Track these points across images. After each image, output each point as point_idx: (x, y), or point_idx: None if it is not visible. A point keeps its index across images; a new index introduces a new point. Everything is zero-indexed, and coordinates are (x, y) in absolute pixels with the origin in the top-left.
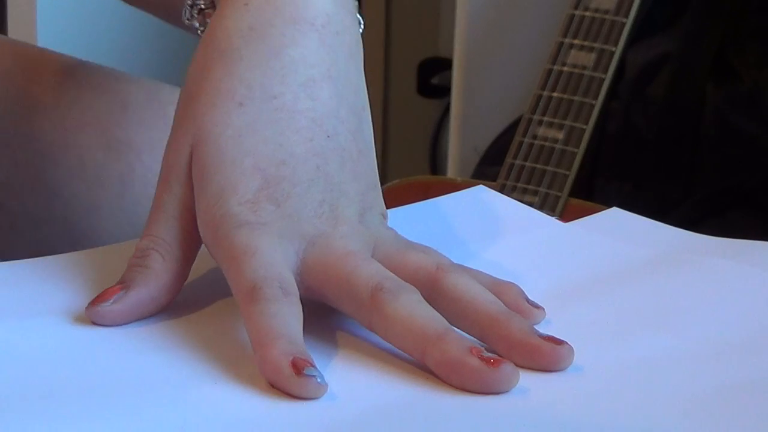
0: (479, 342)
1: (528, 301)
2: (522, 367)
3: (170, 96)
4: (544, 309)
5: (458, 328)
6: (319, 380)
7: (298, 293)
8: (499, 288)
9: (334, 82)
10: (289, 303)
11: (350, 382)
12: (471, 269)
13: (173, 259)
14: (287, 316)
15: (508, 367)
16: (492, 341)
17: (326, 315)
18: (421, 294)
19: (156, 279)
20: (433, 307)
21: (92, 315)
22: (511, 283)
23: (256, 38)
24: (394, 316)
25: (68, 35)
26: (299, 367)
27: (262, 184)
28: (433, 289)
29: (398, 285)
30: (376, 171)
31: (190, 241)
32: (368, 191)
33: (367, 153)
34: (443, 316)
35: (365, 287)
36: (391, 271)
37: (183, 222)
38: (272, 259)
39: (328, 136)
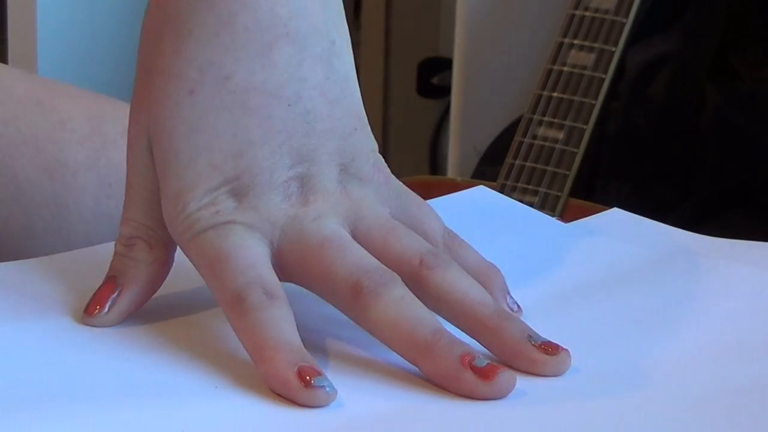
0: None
1: (508, 297)
2: (517, 371)
3: (111, 112)
4: (521, 311)
5: (447, 322)
6: (328, 390)
7: (283, 293)
8: (483, 278)
9: (293, 38)
10: (278, 306)
11: (351, 382)
12: (459, 247)
13: (159, 246)
14: (280, 322)
15: (502, 377)
16: (484, 344)
17: (317, 310)
18: (406, 284)
19: (145, 272)
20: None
21: (89, 324)
22: (495, 270)
23: (203, 8)
24: (378, 322)
25: (68, 35)
26: (307, 378)
27: (220, 181)
28: (418, 284)
29: (378, 281)
30: (358, 109)
31: None
32: (347, 140)
33: (342, 95)
34: (432, 311)
35: (345, 285)
36: (373, 254)
37: (160, 204)
38: (247, 259)
39: (289, 105)
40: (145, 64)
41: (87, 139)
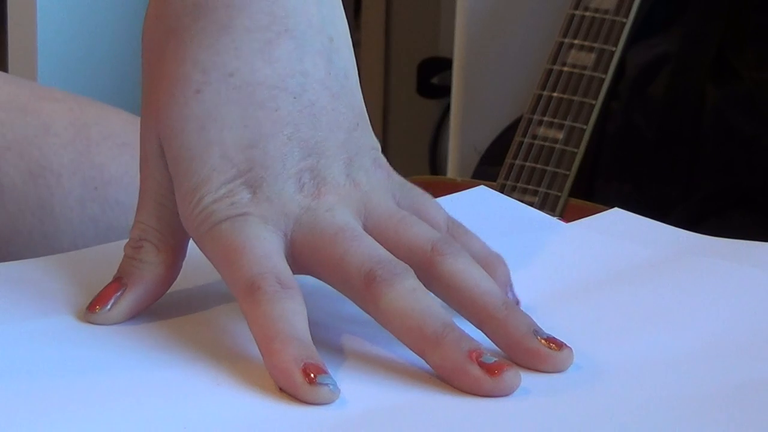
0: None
1: (510, 289)
2: (520, 366)
3: (95, 116)
4: (520, 303)
5: (456, 311)
6: (331, 388)
7: (297, 285)
8: (488, 268)
9: (292, 33)
10: (291, 298)
11: (356, 379)
12: (464, 235)
13: (167, 249)
14: (292, 316)
15: (508, 374)
16: (490, 336)
17: (327, 306)
18: (416, 273)
19: (151, 273)
20: (429, 289)
21: (91, 320)
22: (500, 260)
23: (202, 15)
24: (389, 311)
25: (68, 35)
26: (311, 375)
27: (234, 174)
28: (429, 272)
29: (391, 271)
30: (360, 106)
31: (181, 225)
32: (351, 134)
33: (344, 91)
34: (440, 298)
35: (357, 274)
36: (384, 245)
37: (172, 207)
38: (262, 250)
39: (295, 98)
40: (150, 72)
41: (70, 143)
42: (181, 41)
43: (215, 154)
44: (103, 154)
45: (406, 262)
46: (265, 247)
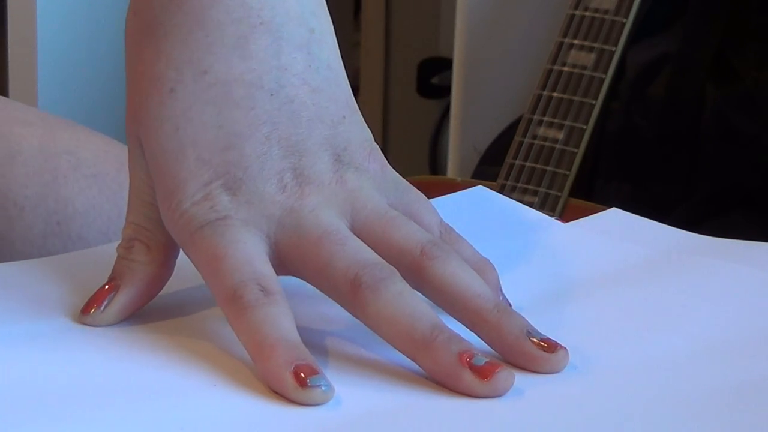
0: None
1: (500, 295)
2: (515, 367)
3: (67, 144)
4: (512, 305)
5: (448, 314)
6: (324, 389)
7: (280, 288)
8: (478, 274)
9: (268, 26)
10: (274, 303)
11: (350, 380)
12: (455, 241)
13: (158, 247)
14: (276, 318)
15: (501, 376)
16: (484, 339)
17: (316, 307)
18: (406, 275)
19: (143, 273)
20: (420, 291)
21: (86, 322)
22: (490, 266)
23: (175, 9)
24: (377, 317)
25: (68, 35)
26: (302, 377)
27: (211, 176)
28: (419, 276)
29: (377, 276)
30: (346, 97)
31: None
32: (336, 129)
33: (326, 84)
34: (431, 300)
35: (344, 280)
36: (372, 247)
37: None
38: (243, 256)
39: (272, 95)
40: (130, 71)
41: (37, 174)
42: (156, 37)
43: (191, 156)
44: (69, 186)
45: (395, 264)
46: (246, 251)
